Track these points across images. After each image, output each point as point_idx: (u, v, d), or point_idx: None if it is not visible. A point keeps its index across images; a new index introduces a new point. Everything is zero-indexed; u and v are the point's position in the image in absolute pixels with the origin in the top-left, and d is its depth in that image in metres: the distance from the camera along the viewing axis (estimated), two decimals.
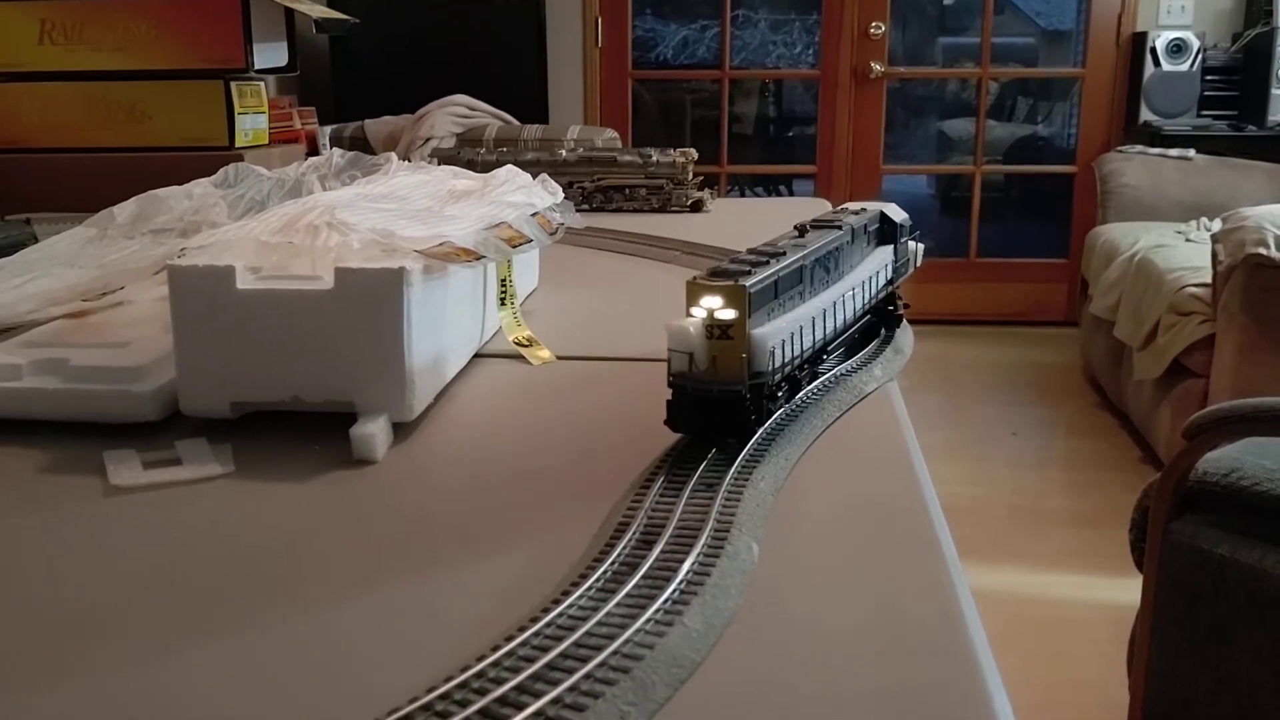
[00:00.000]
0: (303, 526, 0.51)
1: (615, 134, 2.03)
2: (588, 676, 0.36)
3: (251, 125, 1.67)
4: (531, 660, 0.37)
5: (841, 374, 0.69)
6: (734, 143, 4.35)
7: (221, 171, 1.04)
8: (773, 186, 4.82)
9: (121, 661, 0.39)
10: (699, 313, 0.53)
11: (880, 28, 4.13)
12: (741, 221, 1.46)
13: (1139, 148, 3.76)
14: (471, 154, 1.58)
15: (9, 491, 0.55)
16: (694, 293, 0.53)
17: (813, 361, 0.64)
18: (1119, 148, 3.87)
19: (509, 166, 0.96)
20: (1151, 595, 1.36)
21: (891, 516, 0.52)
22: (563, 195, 0.95)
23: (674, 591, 0.42)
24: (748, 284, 0.53)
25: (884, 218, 0.78)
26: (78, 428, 0.61)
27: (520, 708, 0.34)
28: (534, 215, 0.84)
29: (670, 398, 0.54)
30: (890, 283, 0.78)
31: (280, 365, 0.61)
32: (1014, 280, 4.29)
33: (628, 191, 1.51)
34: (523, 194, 0.88)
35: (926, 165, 4.86)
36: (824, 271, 0.66)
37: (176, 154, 1.59)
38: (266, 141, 1.70)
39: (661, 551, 0.45)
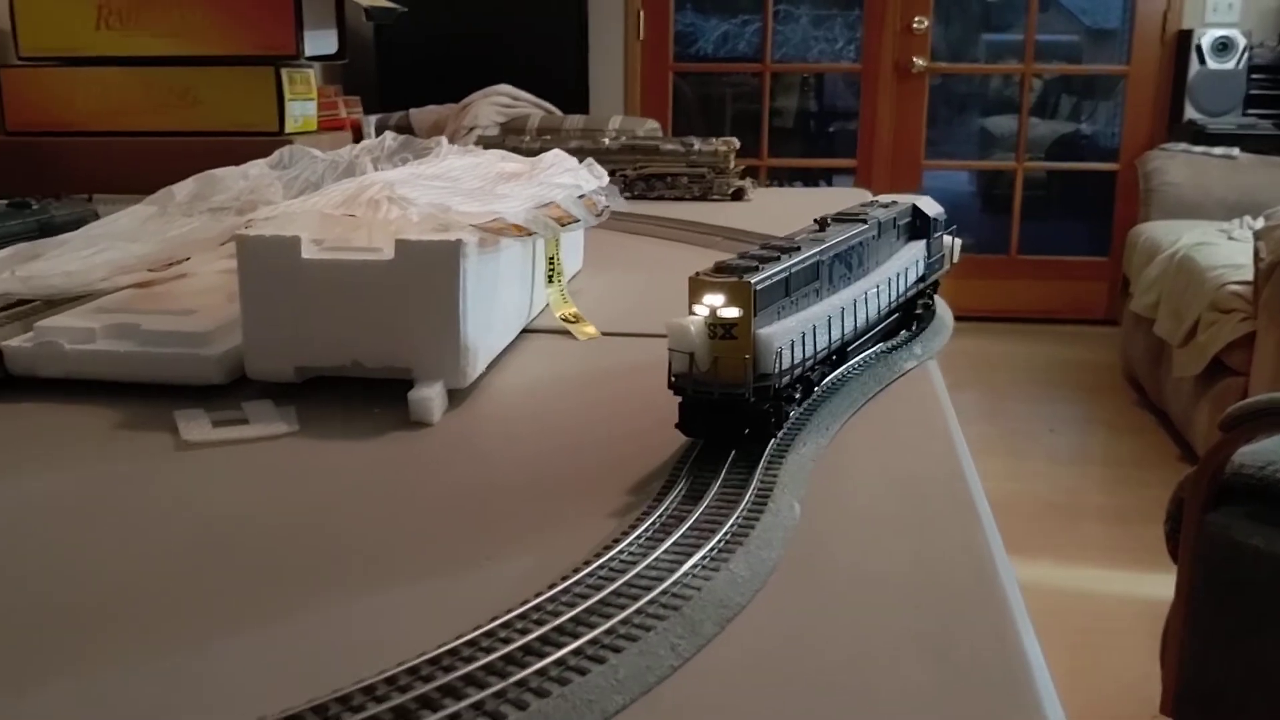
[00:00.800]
0: (364, 481, 0.54)
1: (657, 124, 2.05)
2: (639, 612, 0.38)
3: (301, 111, 1.70)
4: (585, 598, 0.39)
5: (881, 351, 0.71)
6: (774, 136, 4.36)
7: (277, 153, 1.07)
8: (812, 181, 4.83)
9: (194, 599, 0.42)
10: (701, 310, 0.50)
11: (923, 22, 4.12)
12: (782, 210, 1.48)
13: (1183, 146, 3.73)
14: (516, 141, 1.61)
15: (87, 445, 0.58)
16: (696, 289, 0.50)
17: (831, 362, 0.61)
18: (1162, 145, 3.84)
19: (556, 150, 0.99)
20: (1185, 586, 1.37)
21: (929, 481, 0.54)
22: (608, 179, 0.97)
23: (720, 541, 0.44)
24: (753, 280, 0.50)
25: (916, 211, 0.75)
26: (147, 389, 0.64)
27: (576, 637, 0.36)
28: (580, 197, 0.86)
29: (681, 400, 0.52)
30: (922, 279, 0.75)
31: (342, 332, 0.63)
32: (1055, 278, 4.27)
33: (669, 180, 1.53)
34: (569, 176, 0.90)
35: (967, 161, 4.84)
36: (845, 268, 0.63)
37: (228, 138, 1.63)
38: (315, 128, 1.73)
39: (707, 508, 0.48)
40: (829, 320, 0.58)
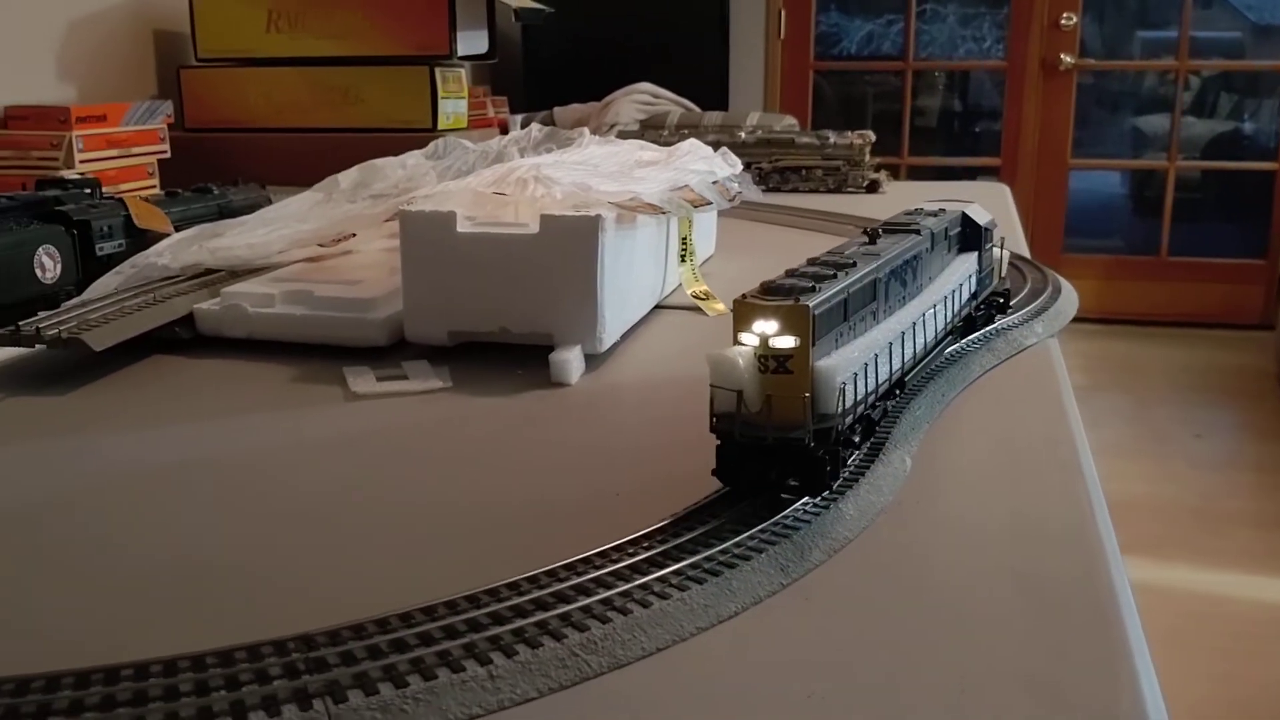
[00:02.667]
0: (509, 429, 0.60)
1: (794, 120, 2.08)
2: (752, 537, 0.43)
3: (452, 109, 1.79)
4: (704, 523, 0.44)
5: (1002, 328, 0.74)
6: (915, 135, 4.32)
7: (432, 145, 1.14)
8: (954, 180, 4.76)
9: (363, 520, 0.48)
10: (749, 339, 0.44)
11: (1072, 19, 4.04)
12: (918, 202, 1.49)
13: None
14: (654, 136, 1.66)
15: (267, 395, 0.65)
16: (744, 314, 0.44)
17: (889, 396, 0.53)
18: None
19: (692, 140, 1.03)
20: None
21: (1037, 444, 0.57)
22: (742, 168, 1.01)
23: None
24: (812, 303, 0.43)
25: (966, 220, 0.69)
26: (318, 350, 0.71)
27: (695, 554, 0.41)
28: (714, 183, 0.90)
29: (719, 445, 0.45)
30: (974, 297, 0.69)
31: (491, 300, 0.69)
32: (1207, 280, 4.13)
33: (804, 172, 1.56)
34: (704, 164, 0.95)
35: (1116, 160, 4.71)
36: (900, 285, 0.55)
37: (384, 134, 1.72)
38: (465, 125, 1.81)
39: None
40: (889, 346, 0.51)
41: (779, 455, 0.44)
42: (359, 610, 0.37)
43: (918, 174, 4.41)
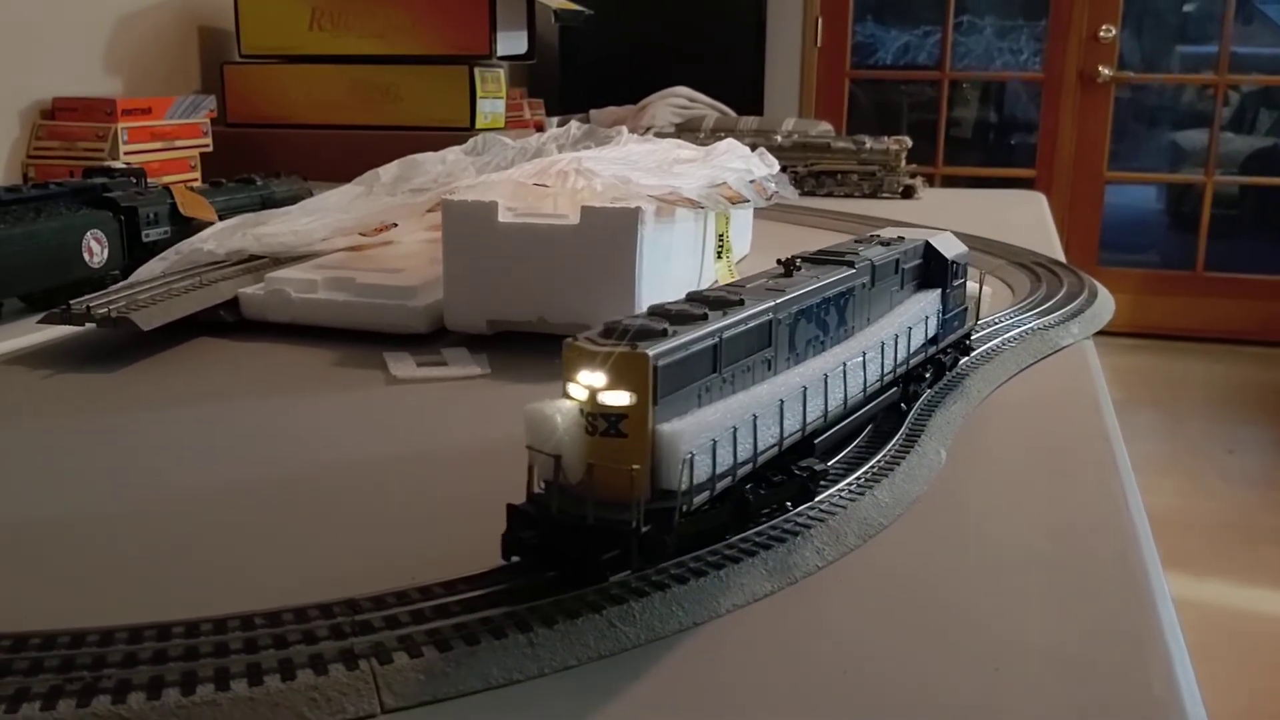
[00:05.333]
0: None
1: (830, 126, 2.08)
2: (788, 520, 0.43)
3: (490, 109, 1.80)
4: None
5: (1037, 328, 0.74)
6: (951, 146, 4.31)
7: (471, 141, 1.15)
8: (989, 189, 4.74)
9: (406, 494, 0.49)
10: (578, 392, 0.36)
11: (1110, 31, 4.01)
12: (953, 209, 1.49)
13: None
14: (691, 139, 1.66)
15: (310, 378, 0.66)
16: (571, 360, 0.36)
17: (781, 464, 0.43)
18: None
19: (729, 140, 1.04)
20: None
21: (1072, 439, 0.57)
22: (779, 167, 1.02)
23: (868, 471, 0.49)
24: (653, 351, 0.35)
25: (930, 252, 0.59)
26: (359, 336, 0.72)
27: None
28: (751, 181, 0.91)
29: (513, 512, 0.37)
30: (933, 341, 0.58)
31: (530, 290, 0.70)
32: (1244, 297, 4.09)
33: (839, 177, 1.56)
34: (741, 162, 0.96)
35: (1152, 173, 4.67)
36: (816, 327, 0.47)
37: (423, 133, 1.73)
38: (503, 125, 1.82)
39: (857, 445, 0.52)
40: (781, 406, 0.41)
41: (600, 537, 0.35)
42: (402, 577, 0.38)
43: (952, 184, 4.40)
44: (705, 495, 0.37)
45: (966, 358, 0.65)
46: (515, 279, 0.70)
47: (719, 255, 0.88)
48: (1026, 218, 1.36)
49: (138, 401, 0.62)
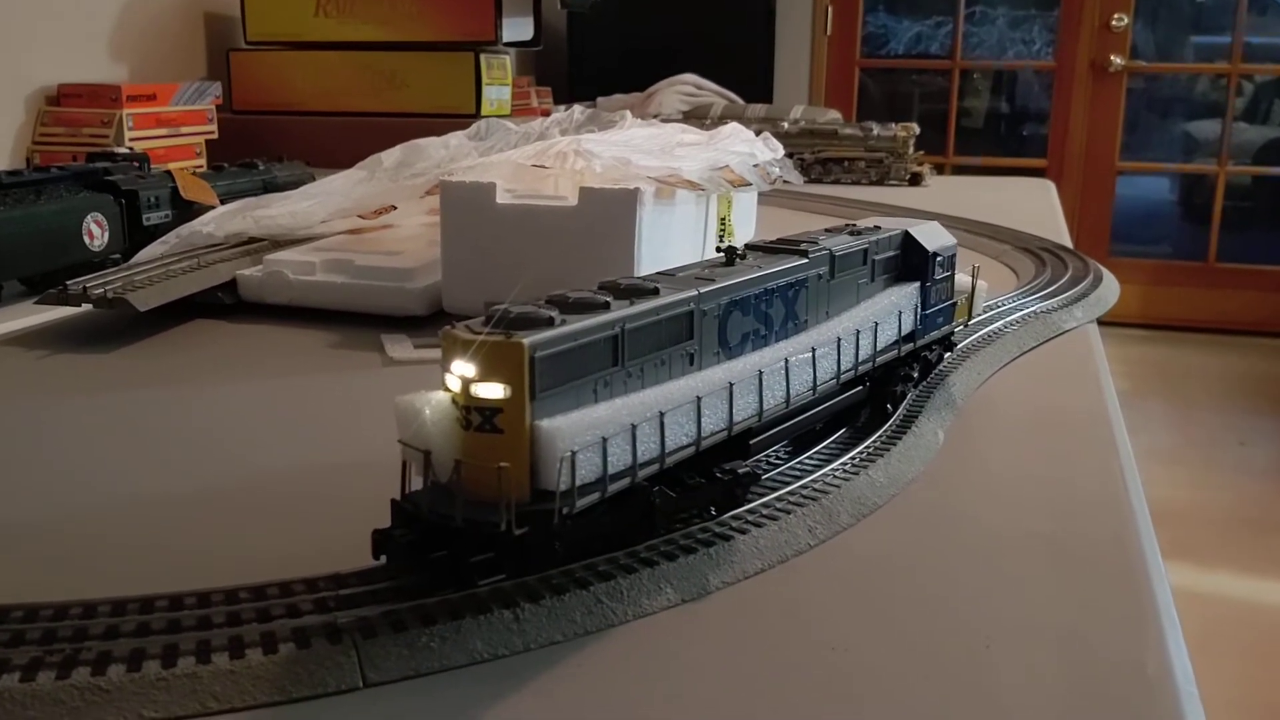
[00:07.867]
0: None
1: (838, 113, 2.07)
2: (781, 499, 0.43)
3: (496, 96, 1.80)
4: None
5: (1040, 311, 0.73)
6: (962, 136, 4.29)
7: (474, 126, 1.15)
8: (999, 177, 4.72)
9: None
10: (452, 383, 0.34)
11: (1123, 20, 3.99)
12: (960, 197, 1.48)
13: None
14: (698, 126, 1.66)
15: (308, 360, 0.66)
16: (447, 348, 0.34)
17: (702, 466, 0.40)
18: None
19: (734, 124, 1.03)
20: None
21: (1073, 419, 0.56)
22: (784, 152, 1.01)
23: (862, 451, 0.48)
24: (529, 340, 0.33)
25: (909, 243, 0.54)
26: (357, 318, 0.72)
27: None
28: (755, 165, 0.90)
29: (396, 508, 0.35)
30: (909, 338, 0.53)
31: (529, 271, 0.69)
32: (1256, 288, 4.07)
33: (846, 164, 1.55)
34: (745, 146, 0.95)
35: (1164, 164, 4.65)
36: (756, 321, 0.43)
37: (428, 119, 1.73)
38: (508, 113, 1.82)
39: (853, 426, 0.51)
40: (699, 403, 0.38)
41: (469, 540, 0.34)
42: None
43: (963, 174, 4.38)
44: (594, 497, 0.34)
45: (962, 343, 0.65)
46: (514, 261, 0.69)
47: (721, 239, 0.88)
48: (1034, 205, 1.35)
49: (133, 382, 0.62)
